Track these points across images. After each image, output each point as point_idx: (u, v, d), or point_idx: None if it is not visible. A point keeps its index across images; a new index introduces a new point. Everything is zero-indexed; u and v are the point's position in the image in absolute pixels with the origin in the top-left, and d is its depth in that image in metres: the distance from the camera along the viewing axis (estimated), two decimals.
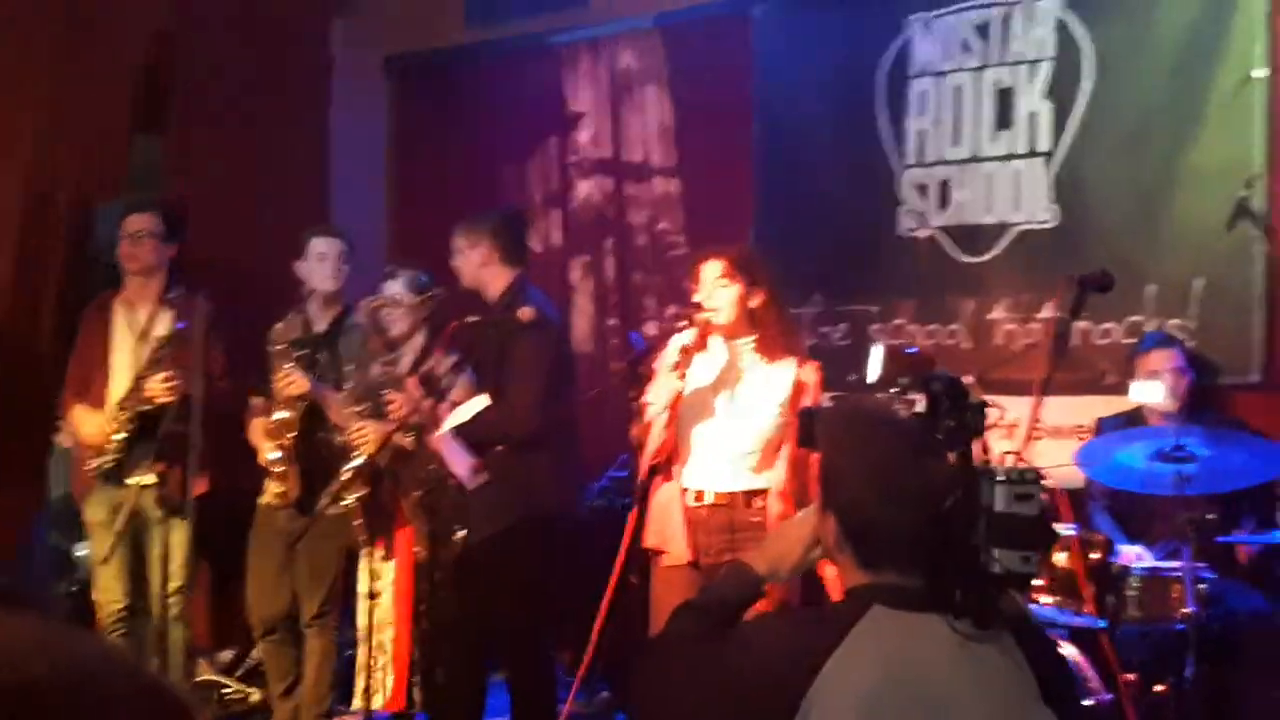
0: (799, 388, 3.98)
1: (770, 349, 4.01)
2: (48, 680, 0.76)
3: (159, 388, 4.66)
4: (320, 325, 5.03)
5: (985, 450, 2.24)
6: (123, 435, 4.72)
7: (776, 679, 1.99)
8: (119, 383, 4.85)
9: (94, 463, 4.80)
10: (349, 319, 5.04)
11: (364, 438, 4.69)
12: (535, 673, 4.56)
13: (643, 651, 2.63)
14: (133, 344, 4.89)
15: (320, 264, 4.98)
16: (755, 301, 4.00)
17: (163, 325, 4.85)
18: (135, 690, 0.80)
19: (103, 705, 0.77)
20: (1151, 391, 4.67)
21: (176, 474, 4.69)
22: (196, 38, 6.17)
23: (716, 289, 4.01)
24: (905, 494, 2.03)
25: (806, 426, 2.41)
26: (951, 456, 2.13)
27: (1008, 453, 2.23)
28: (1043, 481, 2.12)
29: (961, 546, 2.02)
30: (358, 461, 4.66)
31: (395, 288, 4.95)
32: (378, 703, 4.85)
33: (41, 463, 5.47)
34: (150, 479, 4.77)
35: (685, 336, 3.97)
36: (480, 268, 4.57)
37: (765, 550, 2.29)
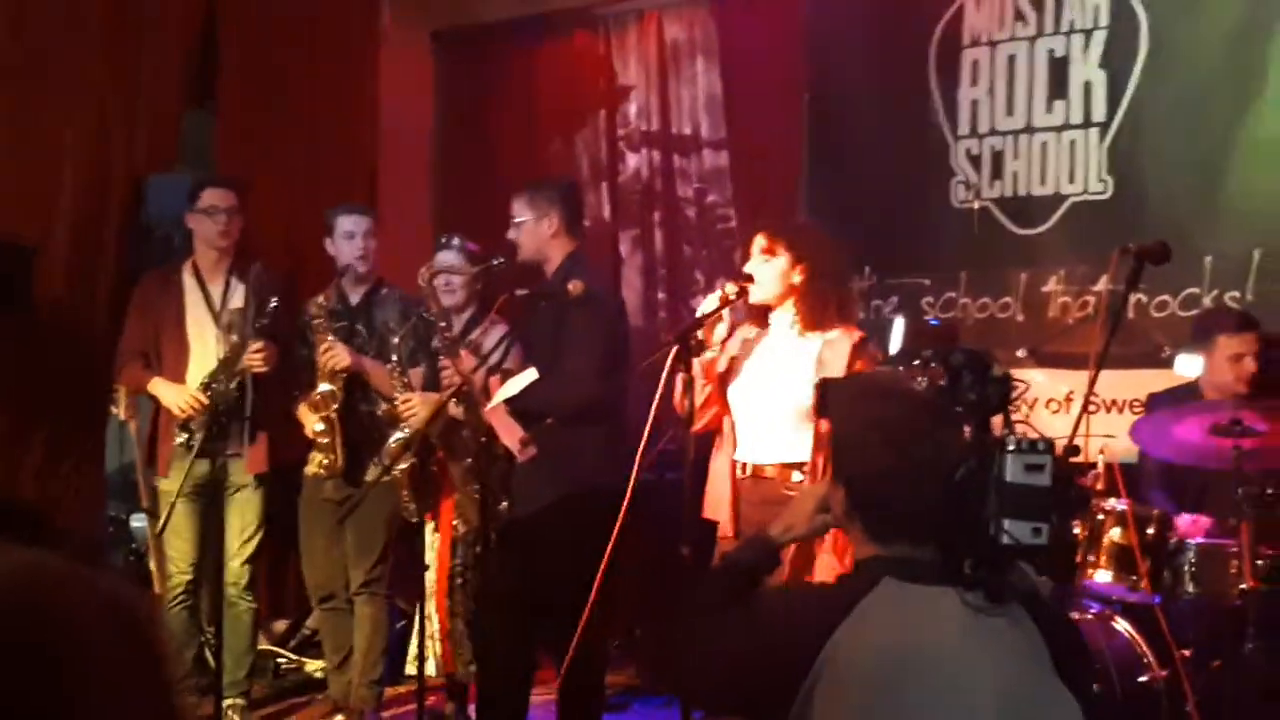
0: (821, 359, 3.92)
1: (807, 320, 3.98)
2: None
3: (256, 358, 4.69)
4: (355, 298, 5.09)
5: (1008, 423, 2.23)
6: (219, 407, 4.72)
7: (785, 648, 2.00)
8: (200, 355, 4.90)
9: (181, 436, 4.85)
10: (382, 290, 5.11)
11: (412, 409, 4.72)
12: (581, 646, 4.57)
13: (667, 617, 2.66)
14: (208, 317, 4.94)
15: (348, 242, 5.04)
16: (798, 276, 3.97)
17: (236, 298, 4.91)
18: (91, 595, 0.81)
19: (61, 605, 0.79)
20: (1195, 365, 4.61)
21: (257, 445, 4.76)
22: (246, 13, 6.19)
23: (760, 263, 3.99)
24: (916, 465, 2.02)
25: (821, 397, 2.42)
26: (968, 429, 2.11)
27: (1018, 421, 2.21)
28: (1054, 451, 2.10)
29: (973, 518, 2.00)
30: (404, 434, 4.69)
31: (449, 257, 4.97)
32: (430, 670, 4.89)
33: (100, 434, 5.53)
34: (236, 450, 4.82)
35: (708, 304, 3.94)
36: (549, 238, 4.54)
37: (781, 517, 2.32)
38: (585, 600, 4.51)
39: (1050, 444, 2.08)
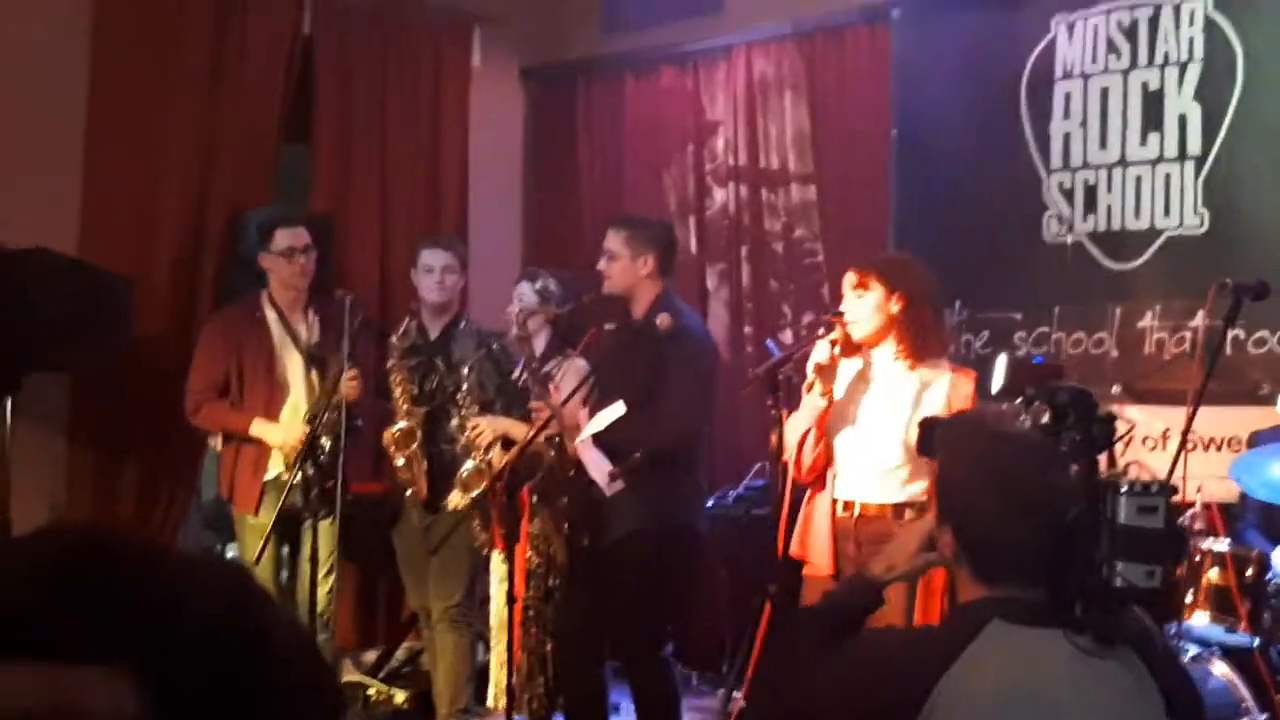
0: (949, 400, 3.89)
1: (911, 353, 3.94)
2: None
3: (349, 386, 4.73)
4: (434, 332, 5.13)
5: (1112, 462, 2.20)
6: (329, 440, 4.74)
7: (893, 691, 1.98)
8: (296, 389, 4.96)
9: (273, 471, 4.90)
10: (461, 325, 5.15)
11: (479, 433, 4.79)
12: (655, 681, 4.58)
13: (767, 657, 2.64)
14: (296, 354, 5.01)
15: (427, 276, 5.08)
16: (895, 306, 3.93)
17: (314, 329, 5.00)
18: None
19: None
20: None
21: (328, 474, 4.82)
22: (342, 51, 6.32)
23: (854, 299, 3.97)
24: (1026, 506, 2.00)
25: (927, 436, 2.40)
26: (1075, 468, 2.09)
27: (1130, 463, 2.18)
28: (1170, 494, 2.07)
29: (1084, 560, 1.98)
30: (470, 465, 4.78)
31: (525, 290, 5.02)
32: (491, 702, 4.95)
33: (195, 463, 5.63)
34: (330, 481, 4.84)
35: (820, 353, 3.92)
36: (644, 277, 4.58)
37: (883, 555, 2.30)
38: (654, 633, 4.52)
39: (1164, 486, 2.05)
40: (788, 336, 6.19)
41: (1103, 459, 2.14)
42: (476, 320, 5.28)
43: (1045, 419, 2.16)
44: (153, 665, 0.76)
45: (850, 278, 4.01)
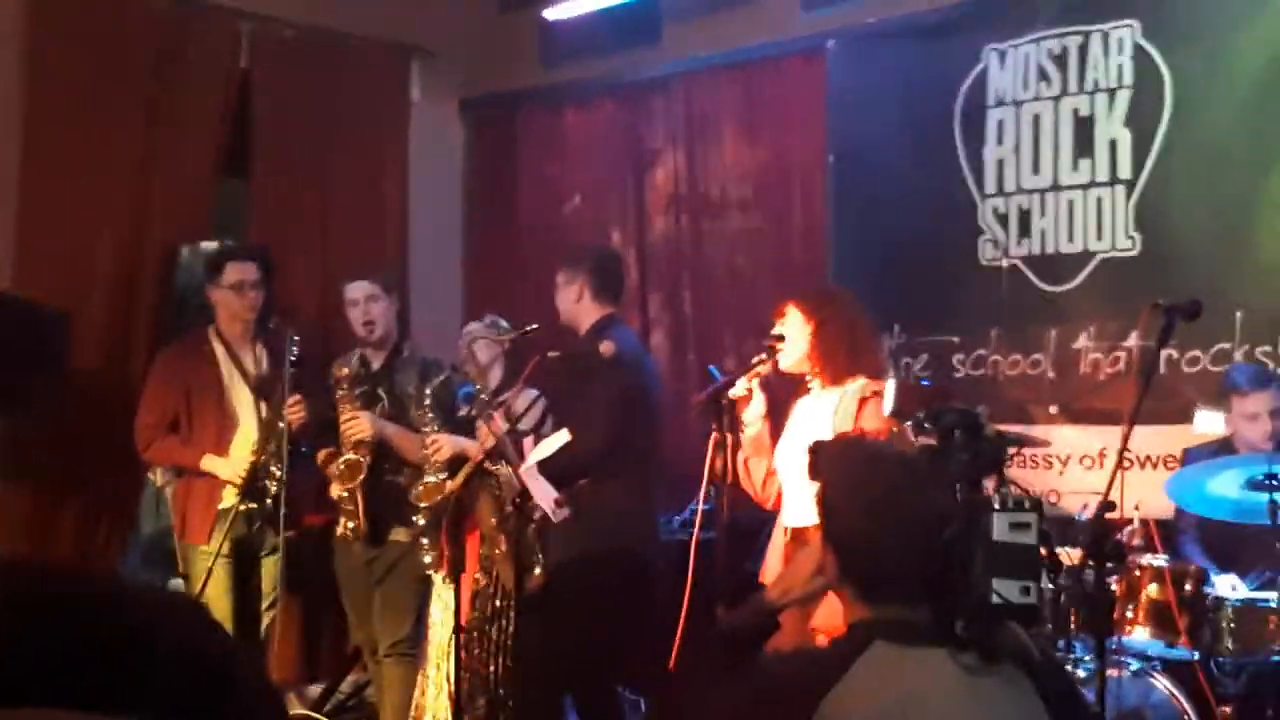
0: (850, 408, 3.91)
1: (826, 375, 4.00)
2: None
3: (295, 411, 4.73)
4: (376, 363, 5.13)
5: (1002, 481, 2.22)
6: (277, 469, 4.74)
7: (778, 714, 1.99)
8: (244, 424, 4.94)
9: (227, 501, 4.87)
10: (402, 354, 5.15)
11: (437, 446, 4.79)
12: (603, 703, 4.59)
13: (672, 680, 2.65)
14: (244, 386, 5.00)
15: (353, 309, 5.08)
16: (812, 332, 4.00)
17: (262, 361, 4.99)
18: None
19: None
20: (1214, 423, 4.60)
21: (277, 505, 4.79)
22: (279, 85, 6.30)
23: (789, 329, 4.04)
24: (905, 526, 2.02)
25: (812, 459, 2.39)
26: (955, 488, 2.11)
27: (1005, 480, 2.21)
28: (1041, 510, 2.09)
29: (963, 578, 1.99)
30: (433, 478, 4.76)
31: (476, 326, 5.04)
32: None
33: (134, 498, 5.57)
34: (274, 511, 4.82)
35: (738, 387, 3.98)
36: (574, 303, 4.65)
37: (779, 580, 2.32)
38: (614, 659, 4.52)
39: (1036, 502, 2.07)
40: (730, 363, 6.21)
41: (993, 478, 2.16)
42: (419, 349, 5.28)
43: (934, 440, 2.18)
44: (121, 707, 0.76)
45: (788, 308, 4.08)
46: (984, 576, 1.99)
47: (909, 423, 2.30)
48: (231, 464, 4.88)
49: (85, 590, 0.81)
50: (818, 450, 2.39)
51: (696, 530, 3.90)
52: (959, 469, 2.13)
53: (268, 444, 4.79)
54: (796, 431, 4.06)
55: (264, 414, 4.90)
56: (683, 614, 3.87)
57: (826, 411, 3.96)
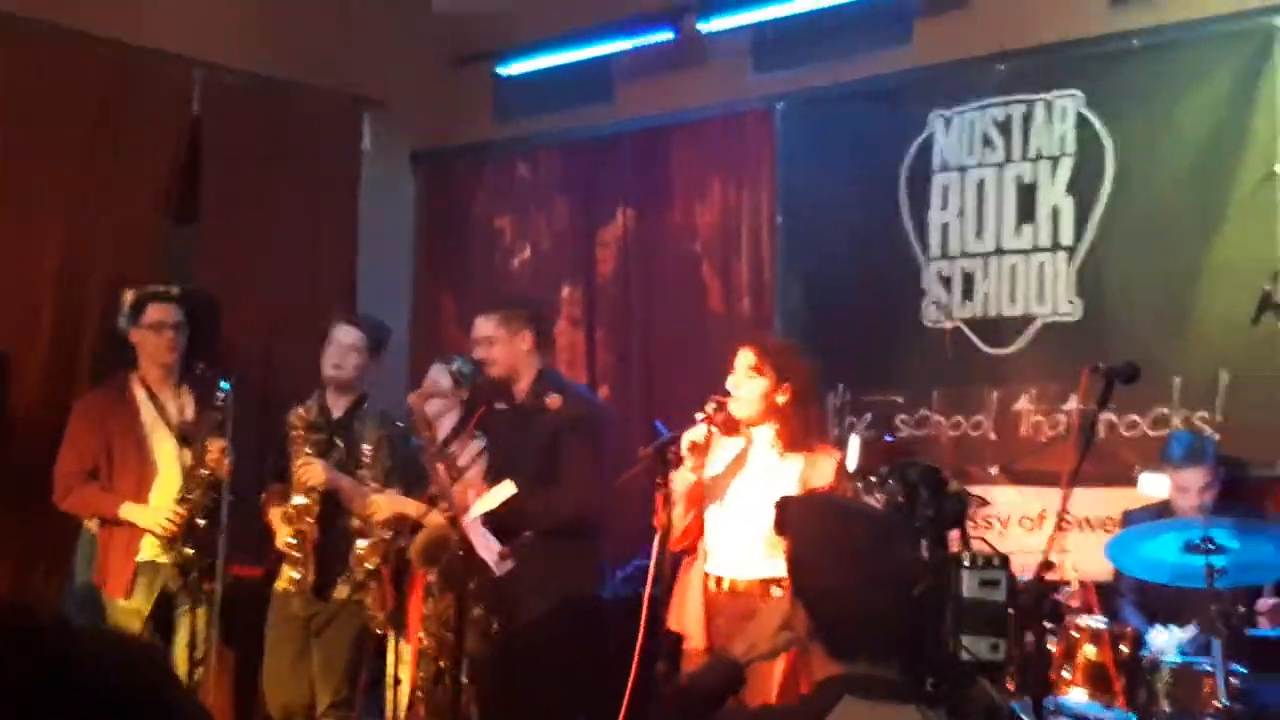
0: (805, 479, 3.97)
1: (789, 441, 4.03)
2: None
3: (217, 459, 4.67)
4: (337, 411, 5.05)
5: (965, 539, 2.24)
6: (195, 519, 4.68)
7: None
8: (164, 471, 4.87)
9: (147, 553, 4.80)
10: (365, 405, 5.06)
11: (376, 507, 4.73)
12: None
13: None
14: (166, 431, 4.92)
15: (329, 347, 5.02)
16: (782, 397, 4.03)
17: (188, 407, 4.90)
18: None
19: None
20: (1158, 486, 4.67)
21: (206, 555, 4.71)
22: (230, 131, 6.29)
23: (745, 379, 4.05)
24: (874, 582, 2.03)
25: (780, 515, 2.41)
26: (924, 544, 2.12)
27: (974, 537, 2.22)
28: (1009, 567, 2.11)
29: (932, 634, 2.00)
30: (371, 539, 4.71)
31: (437, 374, 4.99)
32: None
33: (69, 546, 5.47)
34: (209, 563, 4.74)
35: (696, 433, 3.99)
36: (525, 355, 4.64)
37: (744, 635, 2.31)
38: (573, 712, 4.49)
39: (1005, 559, 2.09)
40: (677, 415, 6.22)
41: (955, 535, 2.18)
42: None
43: (899, 497, 2.20)
44: None
45: (747, 357, 4.08)
46: (953, 633, 1.99)
47: (872, 479, 2.32)
48: (151, 512, 4.78)
49: (32, 624, 0.80)
50: (785, 506, 2.40)
51: (650, 585, 3.89)
52: (924, 525, 2.14)
53: (190, 492, 4.72)
54: (745, 488, 4.07)
55: (188, 461, 4.83)
56: (632, 670, 3.88)
57: (789, 477, 3.98)
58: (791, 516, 2.31)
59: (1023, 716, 3.66)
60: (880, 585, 2.01)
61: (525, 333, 4.68)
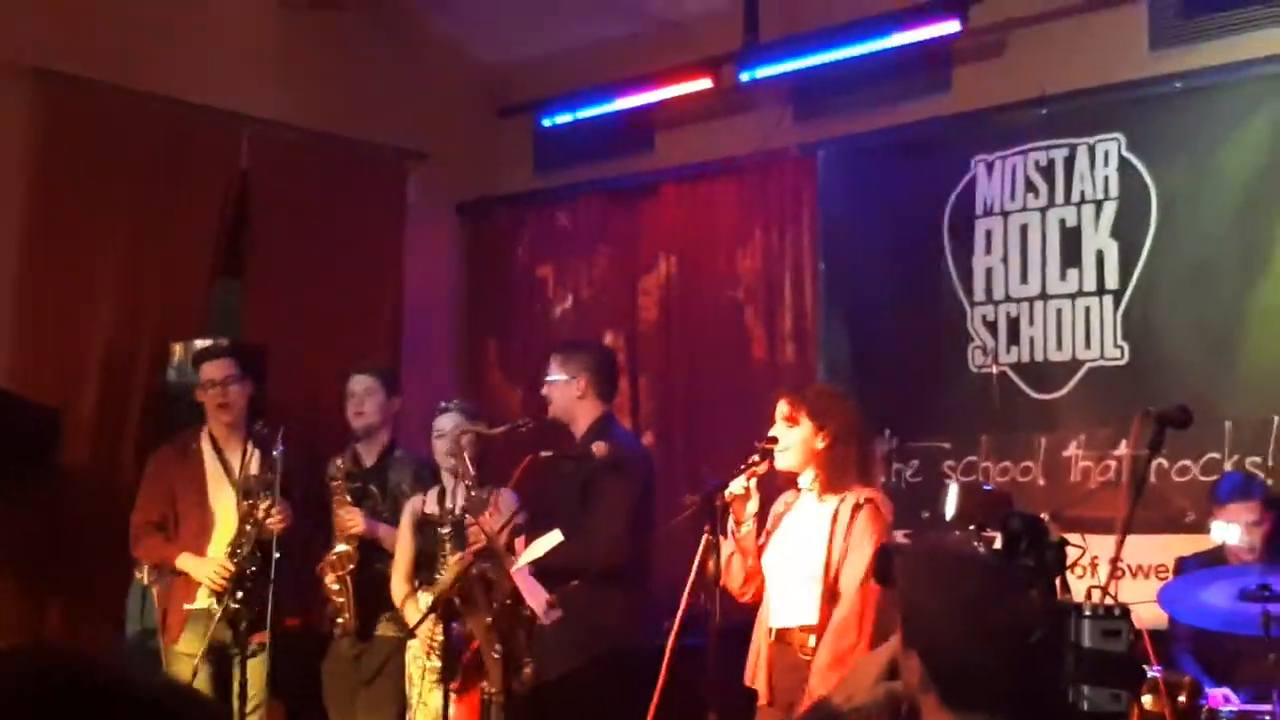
0: (835, 515, 3.94)
1: (826, 484, 4.01)
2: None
3: (271, 517, 4.73)
4: (368, 460, 5.18)
5: (1064, 588, 2.22)
6: (245, 571, 4.73)
7: None
8: (224, 524, 4.95)
9: (203, 602, 4.86)
10: (395, 452, 5.22)
11: (352, 519, 4.93)
12: None
13: None
14: (228, 486, 5.00)
15: (348, 401, 5.21)
16: (821, 442, 4.01)
17: (253, 462, 4.97)
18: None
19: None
20: (1232, 532, 4.61)
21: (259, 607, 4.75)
22: (277, 186, 6.37)
23: (784, 430, 4.04)
24: (992, 631, 1.99)
25: (884, 563, 2.38)
26: (1034, 593, 2.11)
27: (1093, 587, 2.21)
28: (1130, 617, 2.10)
29: (1050, 685, 1.98)
30: (340, 548, 4.89)
31: (448, 420, 4.98)
32: None
33: (121, 595, 5.52)
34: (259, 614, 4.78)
35: (737, 484, 3.98)
36: (577, 400, 4.64)
37: (843, 685, 2.29)
38: None
39: (1125, 610, 2.07)
40: (722, 464, 6.20)
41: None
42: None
43: (997, 544, 2.18)
44: None
45: (782, 408, 4.08)
46: (1073, 683, 1.97)
47: (971, 527, 2.30)
48: (204, 564, 4.88)
49: (100, 677, 0.82)
50: (892, 553, 2.39)
51: (673, 635, 3.87)
52: (1026, 574, 2.13)
53: (240, 546, 4.77)
54: (789, 535, 4.06)
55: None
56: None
57: (824, 519, 3.96)
58: (899, 564, 2.29)
59: None
60: (997, 635, 1.99)
61: (581, 378, 4.68)
